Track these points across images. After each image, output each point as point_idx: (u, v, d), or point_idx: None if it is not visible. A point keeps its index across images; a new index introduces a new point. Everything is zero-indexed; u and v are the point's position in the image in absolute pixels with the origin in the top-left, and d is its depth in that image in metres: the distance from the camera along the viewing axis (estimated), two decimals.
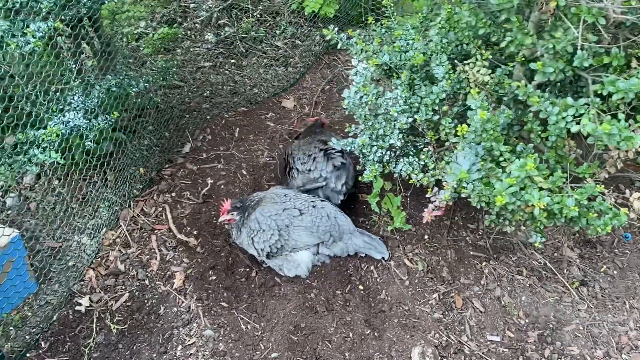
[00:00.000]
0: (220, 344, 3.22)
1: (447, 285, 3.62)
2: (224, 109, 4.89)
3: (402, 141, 3.18)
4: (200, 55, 5.53)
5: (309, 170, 3.93)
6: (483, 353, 3.28)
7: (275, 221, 3.49)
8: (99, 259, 3.60)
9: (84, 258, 3.57)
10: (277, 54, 5.67)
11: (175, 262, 3.64)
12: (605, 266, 3.81)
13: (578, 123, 2.38)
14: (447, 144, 3.13)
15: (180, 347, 3.20)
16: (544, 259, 3.82)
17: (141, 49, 5.47)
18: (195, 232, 3.86)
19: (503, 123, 2.67)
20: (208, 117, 4.78)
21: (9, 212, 3.80)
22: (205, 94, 5.06)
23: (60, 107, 3.30)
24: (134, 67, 4.55)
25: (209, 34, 5.78)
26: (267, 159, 4.48)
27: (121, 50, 4.37)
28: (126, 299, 3.40)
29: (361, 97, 3.04)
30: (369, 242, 3.71)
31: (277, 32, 5.89)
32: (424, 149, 3.28)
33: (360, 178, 3.35)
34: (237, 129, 4.73)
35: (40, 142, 3.14)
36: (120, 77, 3.64)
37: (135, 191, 4.03)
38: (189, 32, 5.79)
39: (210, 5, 6.08)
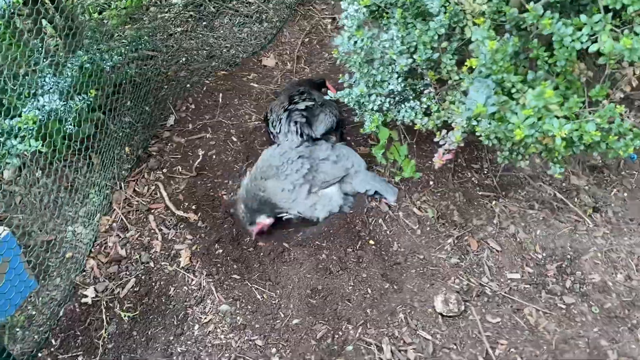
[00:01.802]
0: (239, 317, 3.11)
1: (460, 228, 3.53)
2: (203, 75, 4.64)
3: (402, 85, 3.01)
4: (169, 21, 5.22)
5: (277, 133, 3.75)
6: (505, 292, 3.23)
7: (296, 151, 3.50)
8: (98, 247, 3.44)
9: (82, 248, 3.40)
10: (250, 10, 5.37)
11: (178, 240, 3.48)
12: (615, 190, 3.75)
13: (594, 42, 2.23)
14: (449, 82, 2.97)
15: (197, 325, 3.09)
16: (553, 190, 3.75)
17: (105, 21, 5.14)
18: (193, 207, 3.69)
19: (510, 52, 2.51)
20: (188, 85, 4.53)
21: None
22: (180, 61, 4.79)
23: (33, 91, 3.06)
24: (104, 42, 4.24)
25: None
26: (257, 123, 4.28)
27: (87, 25, 4.06)
28: (133, 285, 3.26)
29: (355, 42, 2.85)
30: (380, 182, 3.61)
31: None
32: (425, 91, 3.12)
33: (361, 130, 3.19)
34: (220, 95, 4.50)
35: (17, 131, 2.92)
36: (92, 53, 3.38)
37: (124, 172, 3.83)
38: None
39: None
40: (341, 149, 3.67)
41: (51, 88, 3.10)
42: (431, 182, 3.79)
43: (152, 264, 3.36)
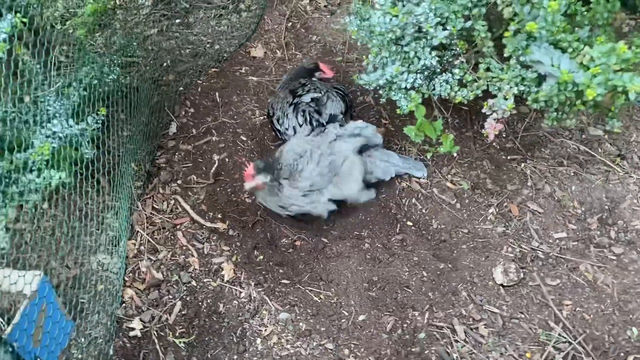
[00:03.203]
0: (301, 323, 2.97)
1: (497, 196, 3.49)
2: (193, 76, 4.37)
3: (435, 60, 2.90)
4: (140, 23, 4.88)
5: (286, 129, 3.59)
6: (557, 253, 3.22)
7: (305, 141, 3.37)
8: (131, 275, 3.19)
9: (113, 278, 3.16)
10: (224, 1, 5.10)
11: (214, 253, 3.29)
12: (634, 134, 3.79)
13: None
14: (484, 50, 2.88)
15: (259, 339, 2.93)
16: (576, 144, 3.76)
17: (71, 31, 4.75)
18: (220, 216, 3.49)
19: (563, 11, 2.44)
20: (181, 88, 4.26)
21: (3, 251, 3.27)
22: (165, 64, 4.50)
23: (39, 118, 2.77)
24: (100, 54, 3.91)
25: None
26: (262, 118, 4.08)
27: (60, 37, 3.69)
28: (180, 308, 3.05)
29: (391, 19, 2.70)
30: (405, 161, 3.54)
31: None
32: (455, 62, 3.02)
33: (398, 111, 3.06)
34: (217, 94, 4.26)
35: (33, 164, 2.64)
36: (91, 67, 3.09)
37: (137, 190, 3.57)
38: (118, 0, 5.07)
39: None
40: (349, 123, 3.51)
41: (58, 112, 2.81)
42: (455, 154, 3.72)
43: (194, 283, 3.16)
